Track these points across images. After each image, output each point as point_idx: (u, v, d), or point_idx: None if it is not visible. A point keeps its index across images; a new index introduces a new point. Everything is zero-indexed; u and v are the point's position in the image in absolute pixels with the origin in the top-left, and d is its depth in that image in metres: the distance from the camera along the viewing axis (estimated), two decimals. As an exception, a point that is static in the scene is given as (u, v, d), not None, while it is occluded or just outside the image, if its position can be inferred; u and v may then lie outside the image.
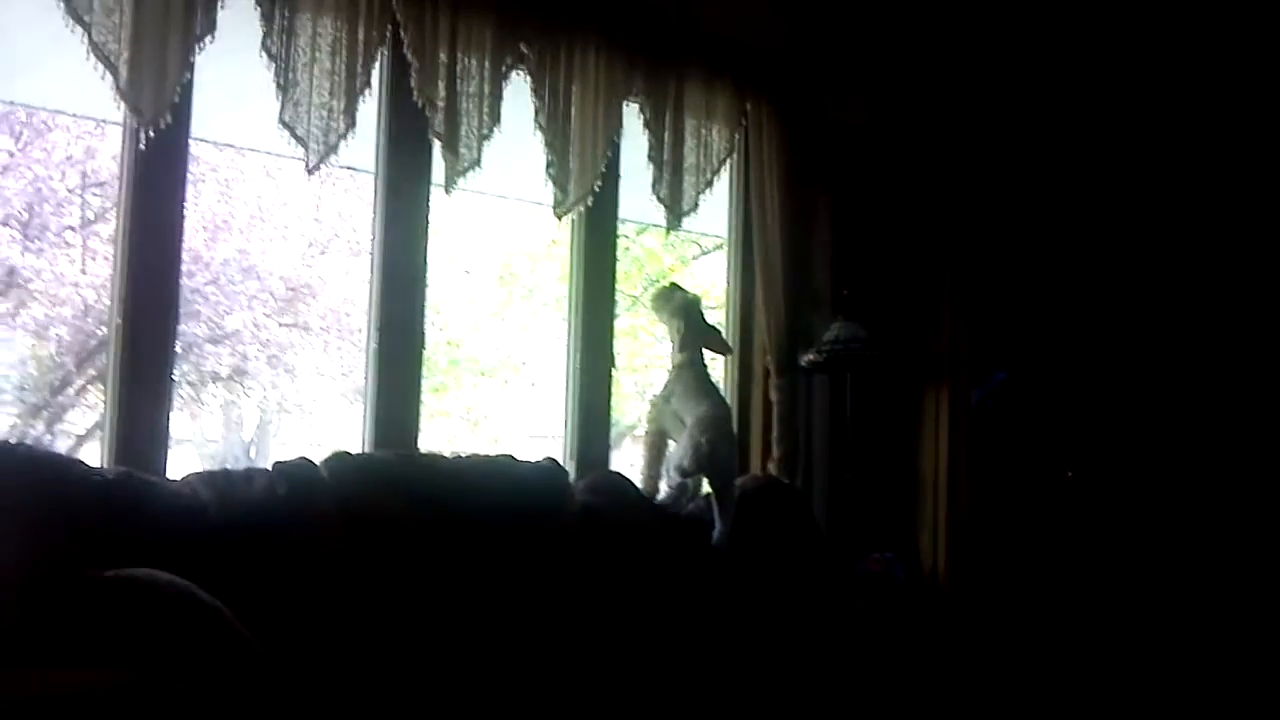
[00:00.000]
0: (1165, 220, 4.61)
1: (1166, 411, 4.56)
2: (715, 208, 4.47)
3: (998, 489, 4.58)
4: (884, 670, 3.67)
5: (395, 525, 3.16)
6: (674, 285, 4.11)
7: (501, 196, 5.02)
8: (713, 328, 4.06)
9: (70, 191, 6.91)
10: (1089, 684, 4.21)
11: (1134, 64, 4.59)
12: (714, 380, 4.08)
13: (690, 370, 3.94)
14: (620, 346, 4.20)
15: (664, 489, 3.90)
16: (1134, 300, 4.62)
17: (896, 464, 4.62)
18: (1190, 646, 4.28)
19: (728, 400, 4.36)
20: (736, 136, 4.39)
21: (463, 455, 3.67)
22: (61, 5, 3.00)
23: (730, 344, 4.36)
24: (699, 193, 4.25)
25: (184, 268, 3.55)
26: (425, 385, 3.85)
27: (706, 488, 3.91)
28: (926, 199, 4.70)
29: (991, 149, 4.68)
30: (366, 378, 3.72)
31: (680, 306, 3.96)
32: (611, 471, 4.01)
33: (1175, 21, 4.54)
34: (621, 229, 4.39)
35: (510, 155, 3.83)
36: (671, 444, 3.93)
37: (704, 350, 3.98)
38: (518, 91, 3.80)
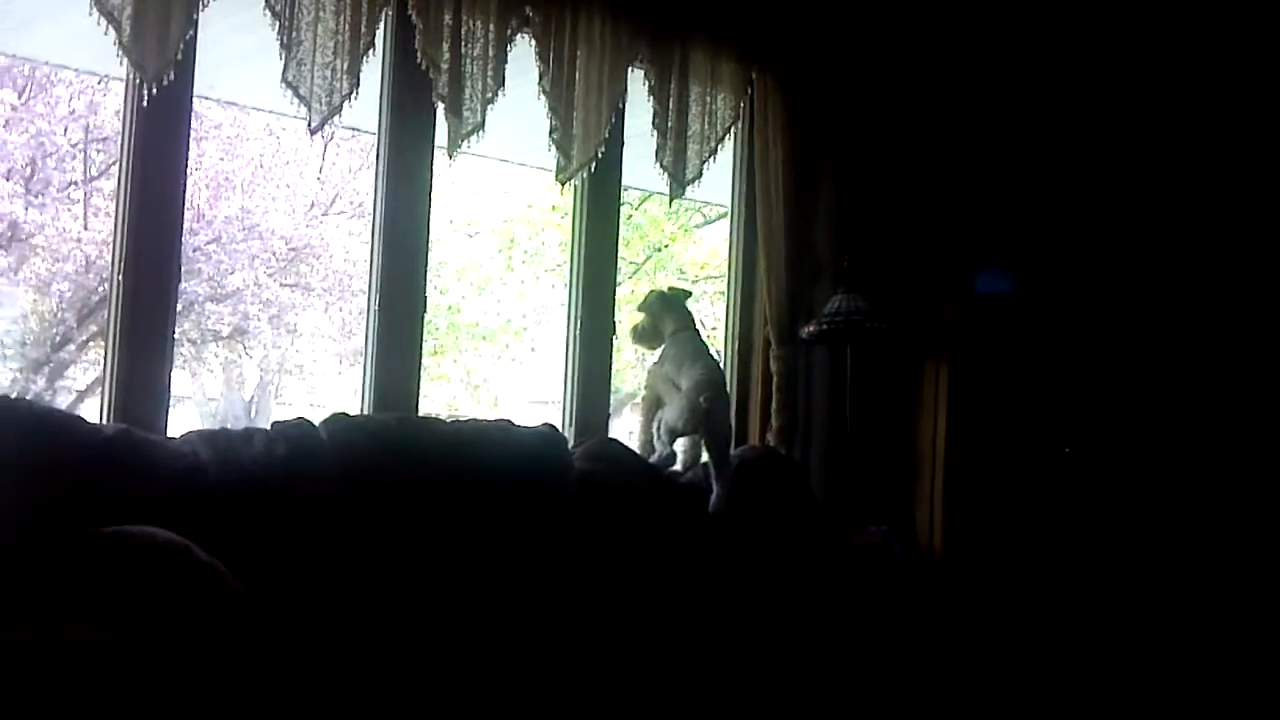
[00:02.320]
0: (1169, 198, 4.59)
1: (1164, 389, 4.56)
2: (719, 176, 4.47)
3: (996, 464, 4.59)
4: (879, 643, 3.70)
5: (393, 488, 3.17)
6: (638, 321, 4.11)
7: (504, 161, 5.02)
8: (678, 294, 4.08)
9: (73, 147, 6.91)
10: (1083, 660, 4.23)
11: (1147, 33, 4.56)
12: (710, 347, 4.10)
13: (684, 334, 3.96)
14: (621, 314, 4.20)
15: (658, 449, 3.90)
16: (1136, 276, 4.61)
17: (895, 437, 4.62)
18: (1187, 624, 4.30)
19: (726, 371, 4.37)
20: (741, 105, 4.38)
21: (461, 419, 3.68)
22: (65, -40, 2.99)
23: (733, 313, 4.38)
24: (703, 161, 4.24)
25: (186, 225, 3.55)
26: (425, 348, 3.85)
27: (705, 456, 3.92)
28: (932, 170, 4.68)
29: (999, 119, 4.65)
30: (367, 340, 3.72)
31: (655, 310, 3.98)
32: (609, 438, 4.02)
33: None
34: (625, 196, 4.38)
35: (514, 120, 3.82)
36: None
37: (695, 319, 4.00)
38: (522, 55, 3.79)
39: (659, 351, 4.00)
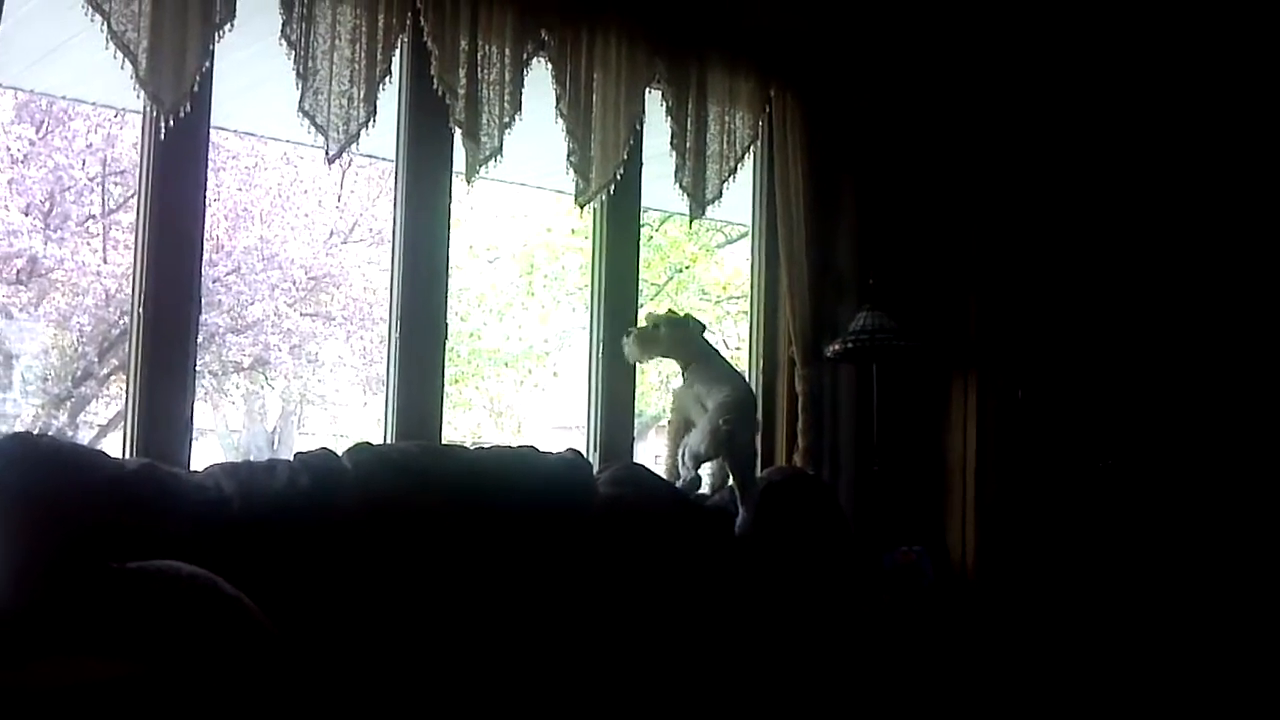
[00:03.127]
0: (1207, 204, 4.56)
1: (1207, 396, 4.52)
2: (739, 195, 4.47)
3: (1029, 479, 4.55)
4: (912, 666, 3.68)
5: (418, 517, 3.18)
6: (629, 330, 4.03)
7: (523, 185, 5.05)
8: (686, 315, 4.06)
9: (91, 180, 6.98)
10: (1120, 684, 4.19)
11: (1176, 40, 4.55)
12: (736, 367, 4.10)
13: (717, 358, 3.96)
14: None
15: (682, 474, 3.89)
16: (1173, 282, 4.58)
17: (925, 455, 4.60)
18: (1235, 650, 4.24)
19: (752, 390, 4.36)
20: (760, 123, 4.39)
21: (485, 447, 3.69)
22: (81, -5, 3.02)
23: (756, 333, 4.43)
24: (723, 180, 4.24)
25: (205, 257, 3.57)
26: (447, 376, 3.87)
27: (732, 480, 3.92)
28: (954, 182, 4.67)
29: (1022, 129, 4.63)
30: (388, 368, 3.74)
31: (679, 329, 3.95)
32: (633, 463, 4.01)
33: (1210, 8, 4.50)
34: (645, 218, 4.39)
35: (532, 143, 3.84)
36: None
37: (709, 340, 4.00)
38: (539, 79, 3.81)
39: (684, 373, 3.98)
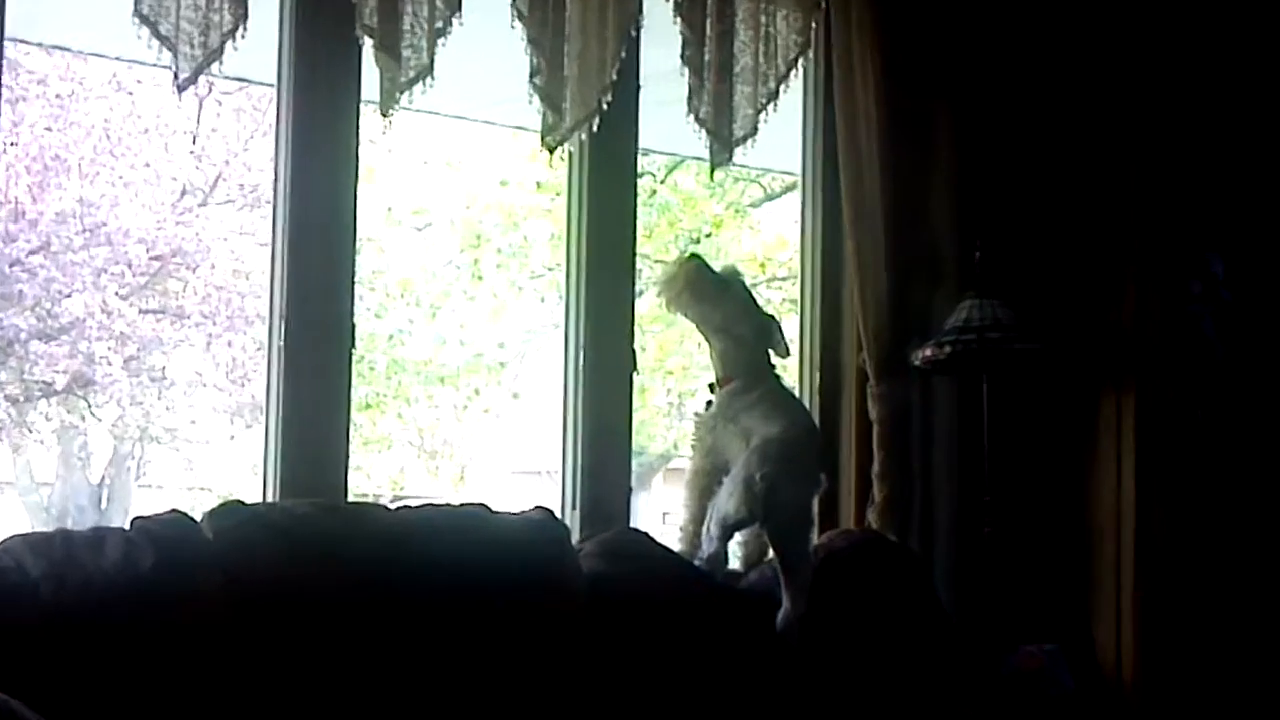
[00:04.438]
0: None
1: None
2: (784, 132, 4.49)
3: (1214, 546, 4.57)
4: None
5: (310, 609, 3.19)
6: (695, 257, 4.09)
7: (464, 119, 5.07)
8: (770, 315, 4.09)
9: None
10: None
11: None
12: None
13: (773, 377, 3.98)
14: (646, 339, 4.21)
15: (705, 549, 3.89)
16: None
17: (1061, 509, 4.62)
18: None
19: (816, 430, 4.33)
20: (813, 26, 4.41)
21: (412, 505, 3.71)
22: None
23: (811, 331, 4.46)
24: (758, 110, 4.27)
25: (0, 228, 3.59)
26: (355, 399, 3.88)
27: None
28: (1098, 112, 4.69)
29: (1205, 30, 4.64)
30: (269, 389, 3.75)
31: (728, 298, 3.96)
32: (630, 528, 4.03)
33: None
34: (645, 164, 4.42)
35: (478, 59, 3.85)
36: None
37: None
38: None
39: (720, 392, 3.97)
